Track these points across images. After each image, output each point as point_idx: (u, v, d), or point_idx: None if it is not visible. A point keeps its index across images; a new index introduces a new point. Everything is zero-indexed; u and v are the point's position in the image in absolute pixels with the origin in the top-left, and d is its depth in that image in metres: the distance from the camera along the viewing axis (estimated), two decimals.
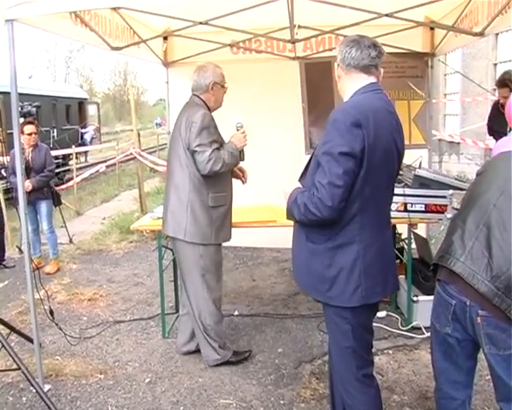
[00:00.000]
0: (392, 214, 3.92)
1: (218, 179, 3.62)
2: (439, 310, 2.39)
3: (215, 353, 3.82)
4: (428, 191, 3.89)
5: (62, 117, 19.60)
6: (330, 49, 5.83)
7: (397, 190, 3.94)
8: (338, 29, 5.17)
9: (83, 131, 21.30)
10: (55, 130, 18.48)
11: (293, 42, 4.76)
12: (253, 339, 4.33)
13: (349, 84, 2.46)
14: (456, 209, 2.83)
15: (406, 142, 5.39)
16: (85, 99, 22.92)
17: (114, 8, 4.45)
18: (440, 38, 5.58)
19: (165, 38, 5.88)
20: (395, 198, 3.90)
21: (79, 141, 20.86)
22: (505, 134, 4.84)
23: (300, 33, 5.49)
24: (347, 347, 2.53)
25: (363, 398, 2.58)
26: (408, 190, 3.92)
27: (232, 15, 4.60)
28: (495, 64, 11.19)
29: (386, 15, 4.44)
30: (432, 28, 5.75)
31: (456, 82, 12.25)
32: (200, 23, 4.60)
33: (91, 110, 23.11)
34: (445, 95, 13.50)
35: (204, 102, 3.68)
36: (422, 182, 3.88)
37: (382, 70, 2.48)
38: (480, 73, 11.06)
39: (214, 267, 3.76)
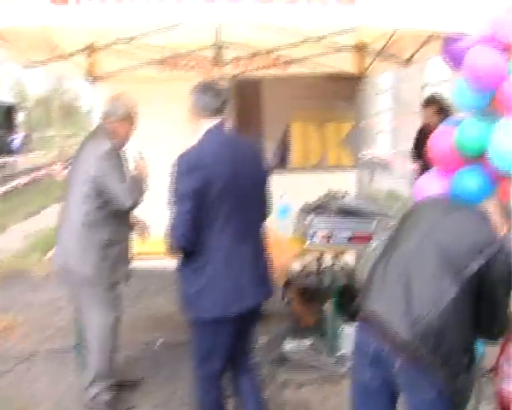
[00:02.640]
0: (317, 245, 3.95)
1: (118, 215, 3.46)
2: (357, 355, 2.33)
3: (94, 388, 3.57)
4: (353, 220, 3.87)
5: None
6: (261, 68, 5.78)
7: (321, 220, 3.92)
8: (270, 50, 5.12)
9: (12, 137, 20.52)
10: None
11: (218, 63, 4.66)
12: (176, 371, 4.14)
13: (199, 126, 2.76)
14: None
15: (335, 164, 5.50)
16: (13, 105, 22.10)
17: None
18: (370, 60, 5.63)
19: (92, 52, 5.64)
20: (319, 228, 3.87)
21: (7, 148, 20.12)
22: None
23: (229, 52, 5.43)
24: (202, 358, 2.86)
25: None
26: (332, 220, 3.89)
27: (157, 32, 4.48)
28: (423, 86, 11.51)
29: (315, 39, 4.39)
30: (361, 50, 5.79)
31: (387, 100, 12.54)
32: (117, 41, 4.39)
33: (20, 116, 22.29)
34: (376, 113, 13.64)
35: (113, 132, 3.51)
36: (347, 211, 3.86)
37: (229, 116, 3.03)
38: (410, 94, 11.35)
39: (106, 307, 3.49)
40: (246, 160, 2.79)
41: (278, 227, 4.12)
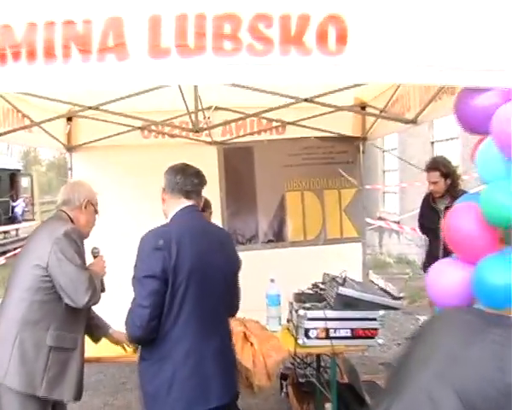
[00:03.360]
0: (312, 342, 3.33)
1: (69, 314, 2.86)
2: None
3: None
4: (355, 313, 3.26)
5: None
6: (252, 134, 5.30)
7: (316, 314, 3.32)
8: (261, 112, 4.63)
9: (14, 204, 20.27)
10: None
11: (197, 131, 4.17)
12: None
13: (171, 207, 2.67)
14: None
15: (337, 235, 4.90)
16: (18, 170, 21.97)
17: None
18: (372, 120, 5.13)
19: (69, 119, 5.21)
20: (314, 324, 3.26)
21: (10, 214, 19.87)
22: (437, 231, 4.34)
23: (217, 116, 4.97)
24: None
25: None
26: (330, 313, 3.28)
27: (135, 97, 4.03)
28: (432, 142, 11.02)
29: (306, 100, 3.88)
30: (363, 109, 5.30)
31: (394, 158, 12.02)
32: (90, 108, 3.92)
33: (24, 182, 22.12)
34: (384, 172, 13.33)
35: (71, 219, 3.03)
36: (347, 302, 3.25)
37: (203, 200, 2.83)
38: (418, 150, 10.85)
39: None
40: (216, 247, 2.67)
41: (268, 315, 3.50)
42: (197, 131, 4.22)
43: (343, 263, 5.16)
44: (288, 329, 3.66)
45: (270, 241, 5.26)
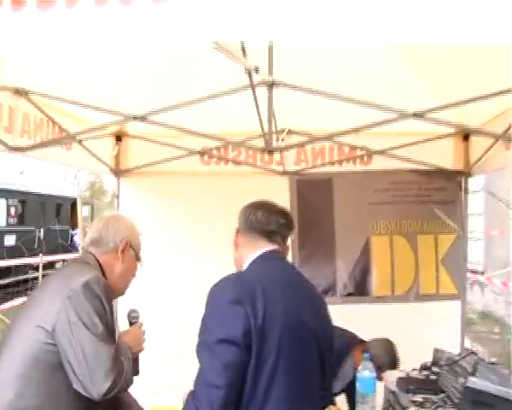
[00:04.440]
0: None
1: (82, 406, 1.99)
2: None
3: None
4: None
5: (51, 217, 18.67)
6: (332, 163, 4.43)
7: None
8: (339, 134, 3.76)
9: (73, 232, 20.19)
10: (42, 230, 17.54)
11: (270, 151, 3.32)
12: None
13: (247, 252, 2.10)
14: None
15: (432, 291, 3.91)
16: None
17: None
18: (478, 152, 4.17)
19: (119, 139, 4.52)
20: None
21: (69, 243, 19.84)
22: None
23: (290, 141, 4.14)
24: None
25: None
26: None
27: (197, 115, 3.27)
28: None
29: (415, 115, 2.98)
30: (466, 138, 4.35)
31: (479, 202, 10.79)
32: (135, 118, 3.16)
33: (85, 211, 22.04)
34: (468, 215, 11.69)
35: (101, 267, 2.23)
36: (480, 399, 2.27)
37: (290, 247, 2.29)
38: (507, 193, 9.65)
39: None
40: (310, 308, 2.03)
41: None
42: (270, 152, 3.36)
43: (438, 326, 4.24)
44: None
45: (350, 294, 4.30)
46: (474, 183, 10.80)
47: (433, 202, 4.39)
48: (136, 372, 2.21)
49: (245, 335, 1.78)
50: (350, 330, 3.46)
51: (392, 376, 2.77)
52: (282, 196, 4.37)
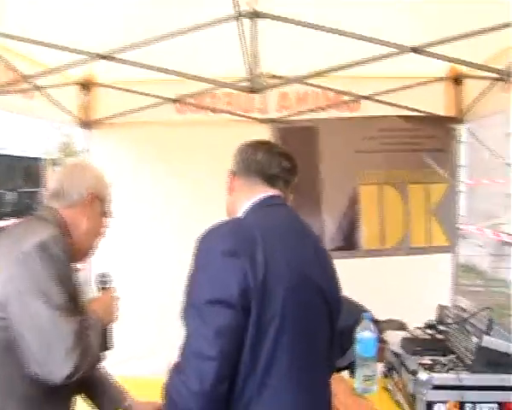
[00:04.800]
0: None
1: (41, 392, 1.67)
2: None
3: None
4: (505, 378, 2.06)
5: (21, 178, 18.17)
6: (316, 110, 4.14)
7: (447, 379, 2.15)
8: (328, 71, 3.43)
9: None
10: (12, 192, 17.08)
11: (254, 91, 2.99)
12: None
13: (245, 197, 1.77)
14: None
15: (423, 243, 3.71)
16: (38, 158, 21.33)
17: None
18: (471, 97, 3.92)
19: (86, 89, 4.15)
20: (442, 394, 2.10)
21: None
22: None
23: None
24: None
25: None
26: (467, 377, 2.10)
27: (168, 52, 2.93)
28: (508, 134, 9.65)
29: (413, 50, 2.69)
30: (458, 83, 4.08)
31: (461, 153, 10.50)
32: (98, 55, 2.81)
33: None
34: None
35: (64, 222, 1.90)
36: (495, 360, 2.06)
37: (292, 197, 1.89)
38: (491, 144, 9.46)
39: None
40: (316, 260, 1.69)
41: (359, 370, 2.28)
42: (255, 92, 3.03)
43: (430, 279, 4.07)
44: (388, 390, 2.50)
45: (338, 248, 4.07)
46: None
47: (424, 150, 4.14)
48: (108, 347, 1.90)
49: (242, 294, 1.46)
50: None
51: (395, 337, 2.55)
52: None
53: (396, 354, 2.45)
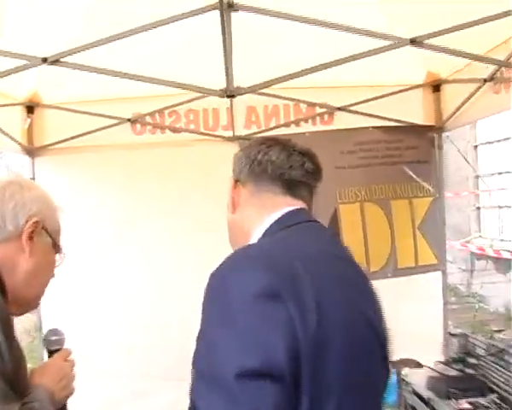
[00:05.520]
0: None
1: None
2: None
3: None
4: None
5: None
6: (288, 124, 3.79)
7: None
8: (309, 71, 3.08)
9: None
10: None
11: (230, 95, 2.59)
12: None
13: (255, 214, 1.29)
14: None
15: (411, 263, 3.36)
16: None
17: None
18: (454, 103, 3.64)
19: (30, 111, 3.70)
20: None
21: None
22: None
23: (238, 100, 3.47)
24: None
25: None
26: None
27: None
28: (476, 146, 9.51)
29: (412, 42, 2.36)
30: (436, 89, 3.80)
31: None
32: (45, 60, 2.38)
33: None
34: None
35: None
36: None
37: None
38: (457, 156, 9.32)
39: None
40: (366, 295, 1.24)
41: None
42: (231, 96, 2.62)
43: (419, 301, 3.75)
44: None
45: None
46: None
47: (405, 162, 3.82)
48: None
49: (291, 356, 0.98)
50: None
51: (416, 376, 2.16)
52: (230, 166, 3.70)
53: (422, 398, 2.06)
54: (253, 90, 2.63)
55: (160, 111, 3.66)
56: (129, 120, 3.68)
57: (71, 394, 1.47)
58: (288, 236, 1.22)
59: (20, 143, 3.65)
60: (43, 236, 1.46)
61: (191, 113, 3.69)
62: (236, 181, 1.35)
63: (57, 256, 1.53)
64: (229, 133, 3.74)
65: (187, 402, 1.01)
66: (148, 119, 3.71)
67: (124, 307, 3.62)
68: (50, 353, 1.54)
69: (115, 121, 3.66)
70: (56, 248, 1.51)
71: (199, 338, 1.05)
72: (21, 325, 3.31)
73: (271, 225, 1.24)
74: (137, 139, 3.75)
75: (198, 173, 3.64)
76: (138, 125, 3.75)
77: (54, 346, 1.55)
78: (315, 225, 1.31)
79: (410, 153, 3.83)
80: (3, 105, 3.32)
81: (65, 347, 1.56)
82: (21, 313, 1.50)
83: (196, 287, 1.18)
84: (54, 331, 1.58)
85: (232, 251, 1.19)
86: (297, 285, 1.03)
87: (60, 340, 1.56)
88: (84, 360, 1.65)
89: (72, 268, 3.56)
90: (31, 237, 1.42)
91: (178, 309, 3.44)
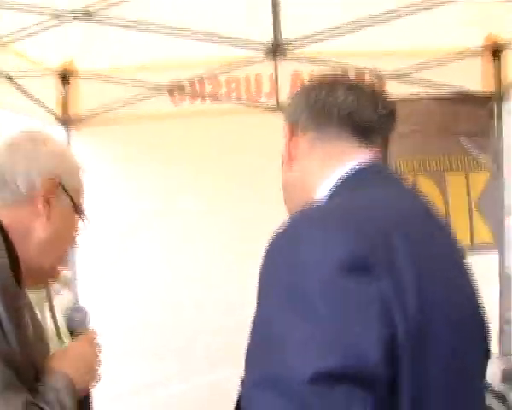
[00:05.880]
0: None
1: None
2: None
3: None
4: None
5: None
6: None
7: None
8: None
9: None
10: None
11: (275, 50, 2.37)
12: None
13: (318, 167, 1.03)
14: None
15: (466, 241, 3.07)
16: None
17: None
18: None
19: (65, 80, 3.56)
20: None
21: None
22: None
23: (286, 64, 3.27)
24: None
25: None
26: None
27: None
28: None
29: None
30: (496, 55, 3.52)
31: None
32: (76, 15, 2.20)
33: None
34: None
35: (3, 231, 1.16)
36: None
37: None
38: None
39: None
40: (462, 266, 0.97)
41: None
42: (279, 52, 2.41)
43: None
44: None
45: None
46: None
47: (461, 134, 3.57)
48: None
49: (386, 353, 0.74)
50: None
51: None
52: (275, 135, 3.48)
53: (498, 394, 1.85)
54: (301, 44, 2.40)
55: (200, 79, 3.48)
56: (167, 88, 3.50)
57: (94, 382, 1.28)
58: (368, 192, 0.96)
59: (54, 114, 3.53)
60: (63, 197, 1.27)
61: (232, 80, 3.50)
62: (293, 130, 1.09)
63: (79, 222, 1.33)
64: (272, 102, 3.52)
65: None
66: (187, 87, 3.52)
67: (157, 285, 3.50)
68: (72, 334, 1.35)
69: (152, 91, 3.50)
70: (78, 211, 1.31)
71: (255, 329, 0.80)
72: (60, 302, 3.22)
73: (343, 180, 0.99)
74: (175, 109, 3.59)
75: (239, 145, 3.45)
76: (177, 95, 3.56)
77: (77, 326, 1.36)
78: (397, 178, 1.07)
79: (466, 125, 3.59)
80: (38, 74, 3.20)
81: (89, 327, 1.36)
82: (38, 285, 1.36)
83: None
84: (77, 309, 1.40)
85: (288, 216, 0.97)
86: (391, 256, 0.79)
87: (83, 319, 1.37)
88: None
89: (105, 244, 3.52)
90: (47, 200, 1.23)
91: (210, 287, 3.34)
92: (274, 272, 0.82)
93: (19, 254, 1.13)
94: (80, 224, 1.33)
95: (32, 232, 1.21)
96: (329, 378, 0.69)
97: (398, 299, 0.76)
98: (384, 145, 1.07)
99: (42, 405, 1.05)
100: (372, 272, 0.76)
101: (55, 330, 1.47)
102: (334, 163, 1.00)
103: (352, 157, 1.00)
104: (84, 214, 1.32)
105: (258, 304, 0.81)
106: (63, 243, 1.31)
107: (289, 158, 1.08)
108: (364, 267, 0.76)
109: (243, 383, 0.82)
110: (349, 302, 0.74)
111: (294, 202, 1.06)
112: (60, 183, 1.25)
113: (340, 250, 0.77)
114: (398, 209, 0.92)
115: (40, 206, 1.21)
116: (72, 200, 1.28)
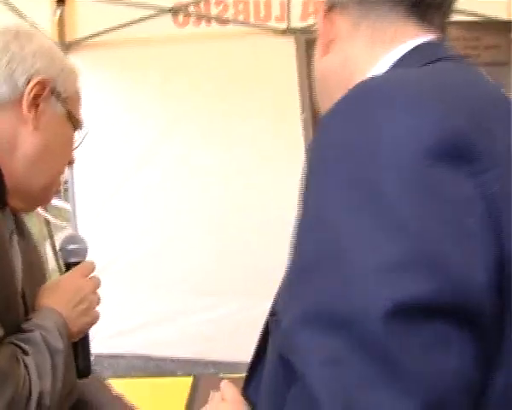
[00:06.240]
0: None
1: None
2: None
3: None
4: None
5: None
6: None
7: None
8: None
9: None
10: None
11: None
12: None
13: (365, 49, 0.77)
14: None
15: None
16: None
17: None
18: None
19: (61, 1, 3.34)
20: None
21: None
22: None
23: None
24: None
25: None
26: None
27: None
28: None
29: None
30: None
31: None
32: None
33: None
34: None
35: None
36: None
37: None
38: None
39: None
40: None
41: None
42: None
43: None
44: None
45: None
46: None
47: (483, 63, 3.37)
48: (82, 371, 1.08)
49: (495, 278, 0.52)
50: None
51: None
52: (286, 63, 3.31)
53: None
54: None
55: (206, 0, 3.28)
56: (170, 9, 3.30)
57: (93, 322, 1.10)
58: (447, 68, 0.74)
59: (51, 37, 3.33)
60: (53, 103, 1.07)
61: (240, 1, 3.29)
62: (330, 7, 0.83)
63: (74, 135, 1.13)
64: (283, 25, 3.32)
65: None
66: (191, 8, 3.31)
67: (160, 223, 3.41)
68: (67, 267, 1.17)
69: (154, 12, 3.30)
70: (73, 121, 1.11)
71: (301, 240, 0.58)
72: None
73: (400, 61, 0.75)
74: (179, 32, 3.40)
75: (247, 70, 3.28)
76: (181, 16, 3.37)
77: (71, 258, 1.17)
78: (464, 62, 0.84)
79: (489, 53, 3.38)
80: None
81: (86, 260, 1.17)
82: (28, 210, 1.17)
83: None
84: (72, 238, 1.22)
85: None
86: (493, 140, 0.58)
87: (79, 250, 1.18)
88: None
89: (105, 176, 3.40)
90: (35, 103, 1.03)
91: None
92: (332, 157, 0.59)
93: (2, 169, 0.96)
94: (77, 136, 1.15)
95: (18, 143, 1.03)
96: (415, 312, 0.49)
97: (506, 199, 0.55)
98: (444, 27, 0.84)
99: (24, 344, 0.91)
100: (475, 161, 0.55)
101: (56, 267, 1.32)
102: (385, 46, 0.77)
103: (406, 39, 0.77)
104: (80, 125, 1.12)
105: (307, 203, 0.59)
106: (56, 159, 1.11)
107: (325, 41, 0.83)
108: (463, 155, 0.55)
109: (275, 315, 0.67)
110: (444, 204, 0.53)
111: (331, 93, 0.80)
112: (50, 85, 1.05)
113: (429, 133, 0.55)
114: (487, 92, 0.71)
115: (25, 110, 1.02)
116: (65, 107, 1.08)
